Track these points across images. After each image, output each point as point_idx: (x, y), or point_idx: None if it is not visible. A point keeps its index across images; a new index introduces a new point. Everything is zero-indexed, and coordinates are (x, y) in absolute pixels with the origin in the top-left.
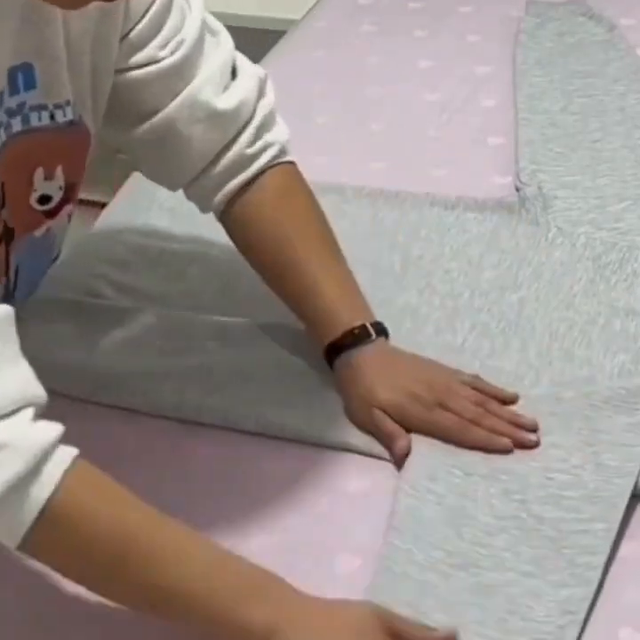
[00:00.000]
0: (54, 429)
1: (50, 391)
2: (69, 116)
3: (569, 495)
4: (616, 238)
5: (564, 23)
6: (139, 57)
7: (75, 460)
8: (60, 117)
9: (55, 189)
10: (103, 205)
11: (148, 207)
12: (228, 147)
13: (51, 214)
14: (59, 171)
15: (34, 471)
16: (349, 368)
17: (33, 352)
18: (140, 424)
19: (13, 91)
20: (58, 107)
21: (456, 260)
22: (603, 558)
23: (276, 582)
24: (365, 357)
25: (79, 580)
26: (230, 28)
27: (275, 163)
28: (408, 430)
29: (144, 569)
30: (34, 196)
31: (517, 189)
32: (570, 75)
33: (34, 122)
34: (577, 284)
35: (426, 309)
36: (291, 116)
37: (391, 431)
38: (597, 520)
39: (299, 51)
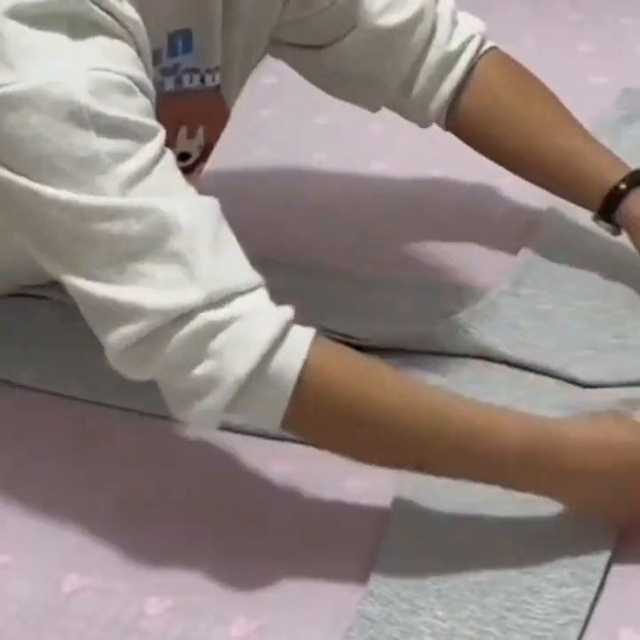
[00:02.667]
0: (289, 308)
1: (49, 392)
2: (217, 81)
3: None
4: None
5: None
6: (308, 11)
7: (315, 335)
8: (209, 81)
9: (194, 148)
10: None
11: None
12: (424, 52)
13: (186, 171)
14: (200, 130)
15: (282, 337)
16: None
17: (34, 352)
18: (140, 424)
19: (172, 53)
20: (209, 71)
21: None
22: (604, 560)
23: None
24: None
25: (341, 449)
26: None
27: (482, 53)
28: None
29: (390, 428)
30: (174, 153)
31: None
32: None
33: (186, 83)
34: None
35: None
36: (290, 116)
37: None
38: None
39: None
